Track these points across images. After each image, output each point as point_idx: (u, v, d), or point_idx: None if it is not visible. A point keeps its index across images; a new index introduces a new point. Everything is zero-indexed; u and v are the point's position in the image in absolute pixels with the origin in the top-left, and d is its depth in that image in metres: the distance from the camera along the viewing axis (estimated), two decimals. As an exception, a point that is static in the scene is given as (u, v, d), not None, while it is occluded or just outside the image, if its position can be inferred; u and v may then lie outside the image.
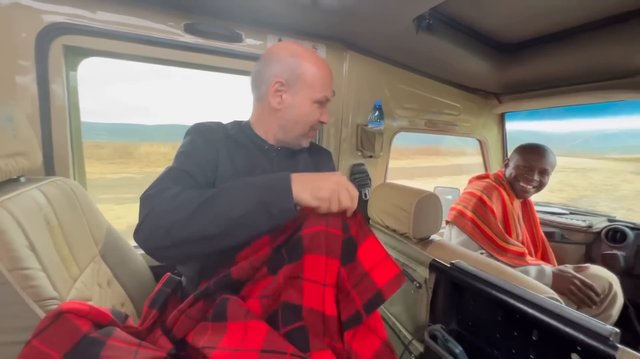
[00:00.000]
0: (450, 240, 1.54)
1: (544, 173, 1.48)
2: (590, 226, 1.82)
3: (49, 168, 1.06)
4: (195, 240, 0.59)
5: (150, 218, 0.60)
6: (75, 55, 1.10)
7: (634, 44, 1.20)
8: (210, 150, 0.81)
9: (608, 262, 1.67)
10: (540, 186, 1.51)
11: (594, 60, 1.38)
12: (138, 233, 0.61)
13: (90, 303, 0.80)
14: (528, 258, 1.39)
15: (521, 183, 1.50)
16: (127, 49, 1.12)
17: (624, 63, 1.37)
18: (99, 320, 0.61)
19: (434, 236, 1.22)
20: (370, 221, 1.45)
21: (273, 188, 0.61)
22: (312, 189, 0.61)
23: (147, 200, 0.64)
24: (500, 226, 1.43)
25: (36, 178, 0.87)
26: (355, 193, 0.66)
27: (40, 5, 1.00)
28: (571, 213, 2.03)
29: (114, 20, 1.09)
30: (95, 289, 0.88)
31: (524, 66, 1.55)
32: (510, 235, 1.46)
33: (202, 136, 0.83)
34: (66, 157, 1.10)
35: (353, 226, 0.69)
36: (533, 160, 1.48)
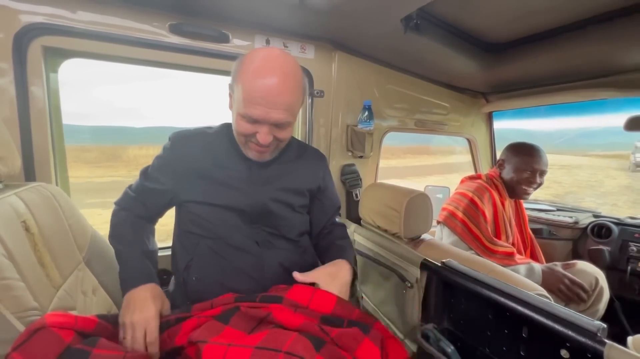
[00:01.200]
0: (441, 240, 1.55)
1: (542, 174, 1.51)
2: (576, 222, 1.86)
3: (29, 173, 1.02)
4: None
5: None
6: (55, 56, 1.07)
7: (615, 43, 1.23)
8: (173, 166, 0.86)
9: (594, 257, 1.70)
10: (538, 187, 1.53)
11: (577, 60, 1.41)
12: None
13: (74, 312, 0.78)
14: (517, 257, 1.39)
15: (523, 186, 1.50)
16: (110, 50, 1.09)
17: (605, 62, 1.40)
18: (84, 329, 0.59)
19: (425, 236, 1.23)
20: (361, 221, 1.45)
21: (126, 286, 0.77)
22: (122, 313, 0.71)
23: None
24: (489, 229, 1.43)
25: (15, 184, 0.83)
26: (150, 338, 0.67)
27: (18, 5, 0.96)
28: (558, 210, 2.07)
29: (96, 21, 1.06)
30: (79, 297, 0.85)
31: (510, 66, 1.57)
32: (499, 236, 1.46)
33: (173, 148, 0.88)
34: (47, 161, 1.06)
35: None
36: (535, 163, 1.48)
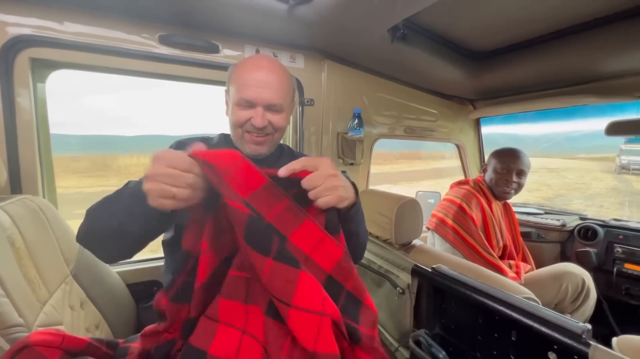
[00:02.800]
0: (434, 246, 1.56)
1: (521, 174, 1.54)
2: (563, 225, 1.90)
3: (15, 186, 1.00)
4: (101, 234, 0.60)
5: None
6: (43, 67, 1.06)
7: (594, 52, 1.28)
8: None
9: (581, 259, 1.74)
10: (519, 188, 1.56)
11: (559, 68, 1.46)
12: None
13: (61, 327, 0.76)
14: (509, 274, 1.39)
15: (501, 186, 1.54)
16: (98, 61, 1.09)
17: (586, 69, 1.45)
18: (73, 348, 0.58)
19: (416, 241, 1.24)
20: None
21: (135, 194, 0.56)
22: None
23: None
24: (482, 235, 1.45)
25: (0, 197, 0.82)
26: (178, 162, 0.51)
27: (5, 17, 0.96)
28: (546, 213, 2.11)
29: (85, 32, 1.06)
30: (66, 312, 0.83)
31: (496, 73, 1.61)
32: (490, 241, 1.48)
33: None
34: (34, 173, 1.04)
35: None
36: (511, 162, 1.53)
